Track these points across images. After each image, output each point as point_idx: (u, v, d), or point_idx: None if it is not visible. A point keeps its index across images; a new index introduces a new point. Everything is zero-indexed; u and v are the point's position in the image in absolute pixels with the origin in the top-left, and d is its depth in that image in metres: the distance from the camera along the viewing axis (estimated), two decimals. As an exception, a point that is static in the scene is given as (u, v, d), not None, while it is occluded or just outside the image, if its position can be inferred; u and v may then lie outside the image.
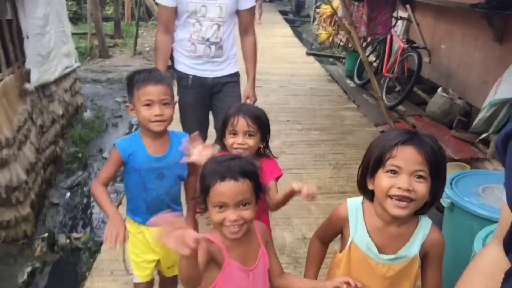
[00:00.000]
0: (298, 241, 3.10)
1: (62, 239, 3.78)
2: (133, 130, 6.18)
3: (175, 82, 2.81)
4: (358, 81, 7.02)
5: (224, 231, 1.37)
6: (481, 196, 2.29)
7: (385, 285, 1.43)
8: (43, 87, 4.43)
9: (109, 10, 13.21)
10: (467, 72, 5.13)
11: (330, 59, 9.42)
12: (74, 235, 3.87)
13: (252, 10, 2.91)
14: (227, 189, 1.32)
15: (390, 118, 5.00)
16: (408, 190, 1.27)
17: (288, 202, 1.80)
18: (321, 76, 7.82)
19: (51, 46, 4.49)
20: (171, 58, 2.99)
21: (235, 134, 1.88)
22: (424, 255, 1.43)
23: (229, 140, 1.89)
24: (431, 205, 1.37)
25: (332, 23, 8.50)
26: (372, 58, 6.95)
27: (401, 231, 1.40)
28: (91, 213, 4.32)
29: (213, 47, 2.76)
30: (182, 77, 2.88)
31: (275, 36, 11.54)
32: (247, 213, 1.36)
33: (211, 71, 2.83)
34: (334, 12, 7.00)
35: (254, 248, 1.48)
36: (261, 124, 1.90)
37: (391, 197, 1.30)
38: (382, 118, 5.28)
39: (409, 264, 1.40)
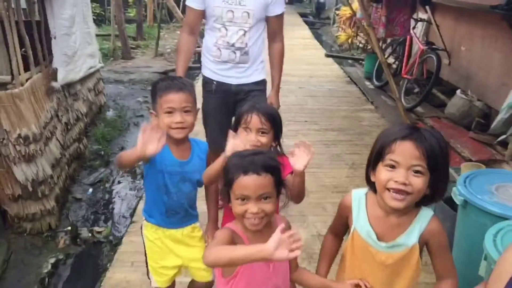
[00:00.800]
0: (313, 238, 3.15)
1: (84, 233, 3.91)
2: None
3: (198, 86, 2.87)
4: (376, 83, 7.02)
5: (245, 223, 1.44)
6: (494, 194, 2.31)
7: (387, 273, 1.47)
8: (68, 86, 4.59)
9: (132, 12, 13.44)
10: (487, 74, 5.10)
11: (349, 61, 9.43)
12: (96, 229, 3.99)
13: (281, 17, 2.87)
14: (249, 182, 1.39)
15: (408, 119, 5.01)
16: (404, 184, 1.32)
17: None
18: (339, 77, 7.85)
19: (76, 46, 4.65)
20: (200, 62, 2.99)
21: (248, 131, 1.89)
22: (427, 246, 1.47)
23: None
24: (431, 198, 1.40)
25: (352, 25, 8.51)
26: (391, 60, 6.95)
27: (401, 221, 1.44)
28: (113, 209, 4.45)
29: (238, 52, 2.73)
30: (207, 82, 2.87)
31: (295, 38, 11.58)
32: (268, 206, 1.42)
33: (235, 77, 2.80)
34: (354, 14, 7.02)
35: None
36: (274, 122, 1.92)
37: (389, 189, 1.35)
38: (400, 119, 5.28)
39: (409, 253, 1.44)
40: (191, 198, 2.02)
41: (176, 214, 1.99)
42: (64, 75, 4.24)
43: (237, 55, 2.74)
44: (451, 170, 3.11)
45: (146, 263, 2.09)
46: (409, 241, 1.43)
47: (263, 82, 2.90)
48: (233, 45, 2.71)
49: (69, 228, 3.87)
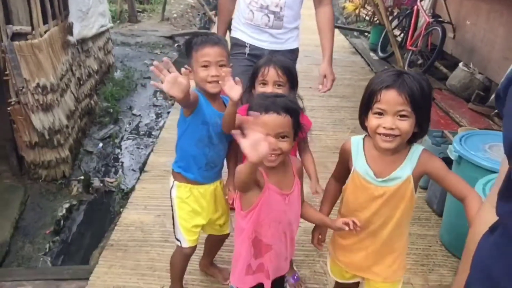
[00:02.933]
0: (314, 192, 3.34)
1: (96, 182, 4.11)
2: (158, 91, 6.48)
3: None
4: (381, 54, 7.12)
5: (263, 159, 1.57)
6: (487, 152, 2.48)
7: (384, 206, 1.62)
8: (81, 42, 4.71)
9: (138, -24, 13.36)
10: (490, 48, 5.21)
11: (355, 33, 9.48)
12: (107, 179, 4.20)
13: None
14: (269, 120, 1.51)
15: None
16: (392, 129, 1.47)
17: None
18: (345, 48, 7.92)
19: (90, 3, 4.75)
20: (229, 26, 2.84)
21: (265, 84, 1.95)
22: (429, 176, 1.62)
23: (259, 89, 1.96)
24: (419, 134, 1.57)
25: (359, -4, 8.54)
26: (397, 32, 7.02)
27: (395, 158, 1.59)
28: (122, 162, 4.64)
29: (271, 16, 2.56)
30: (237, 45, 2.66)
31: (301, 8, 11.55)
32: (284, 144, 1.55)
33: (269, 42, 2.62)
34: (362, -16, 7.06)
35: (289, 178, 1.67)
36: (290, 75, 1.99)
37: (379, 134, 1.51)
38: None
39: (403, 185, 1.59)
40: (226, 151, 2.09)
41: (214, 168, 2.06)
42: (79, 30, 4.35)
43: (271, 19, 2.57)
44: (448, 134, 3.27)
45: (174, 226, 2.12)
46: (403, 174, 1.59)
47: (296, 51, 2.74)
48: (267, 7, 2.54)
49: (82, 177, 4.06)
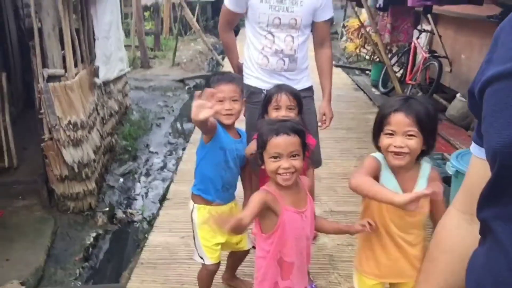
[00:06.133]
0: (326, 213, 3.57)
1: (119, 213, 4.37)
2: (172, 130, 6.84)
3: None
4: (382, 90, 7.47)
5: (278, 179, 1.69)
6: (481, 166, 2.73)
7: (405, 218, 1.77)
8: (104, 84, 5.11)
9: (147, 25, 14.07)
10: (485, 79, 5.54)
11: (356, 72, 9.91)
12: (130, 211, 4.45)
13: (329, 21, 2.75)
14: (281, 141, 1.66)
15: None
16: (401, 147, 1.67)
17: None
18: (347, 85, 8.32)
19: (112, 49, 5.19)
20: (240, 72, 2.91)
21: (278, 108, 2.19)
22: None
23: (273, 114, 2.18)
24: (427, 152, 1.75)
25: (359, 36, 9.03)
26: (396, 68, 7.42)
27: (410, 176, 1.77)
28: (142, 195, 4.91)
29: (286, 59, 2.62)
30: (254, 93, 2.65)
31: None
32: (297, 162, 1.68)
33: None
34: (362, 25, 7.53)
35: (302, 195, 1.81)
36: (299, 99, 2.28)
37: (391, 152, 1.71)
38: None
39: (421, 200, 1.69)
40: (239, 174, 2.32)
41: (229, 189, 2.28)
42: (104, 73, 4.75)
43: (286, 63, 2.62)
44: (447, 155, 3.54)
45: (195, 246, 2.31)
46: (421, 188, 1.72)
47: (311, 89, 2.78)
48: (281, 51, 2.61)
49: (107, 208, 4.32)
